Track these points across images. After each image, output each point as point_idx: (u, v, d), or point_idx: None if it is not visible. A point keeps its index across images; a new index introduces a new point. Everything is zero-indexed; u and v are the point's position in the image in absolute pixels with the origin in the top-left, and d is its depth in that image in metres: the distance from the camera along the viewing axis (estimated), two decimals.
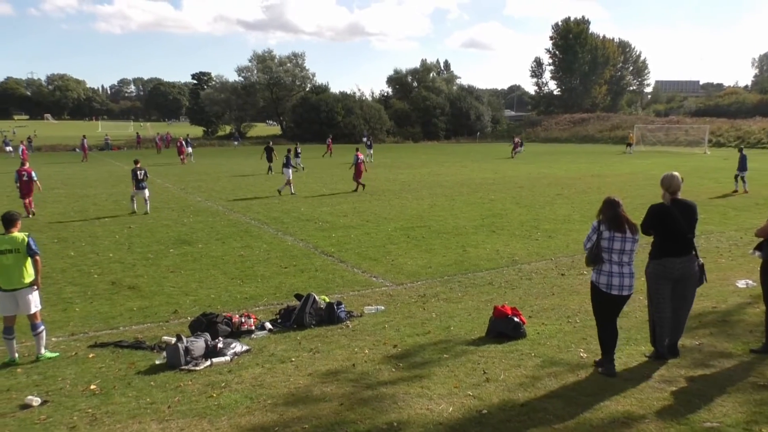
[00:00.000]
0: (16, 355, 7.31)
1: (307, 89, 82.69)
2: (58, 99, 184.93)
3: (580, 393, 6.00)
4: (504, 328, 7.63)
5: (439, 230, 15.49)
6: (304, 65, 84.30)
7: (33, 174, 18.84)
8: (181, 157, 43.02)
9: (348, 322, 8.50)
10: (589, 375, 6.45)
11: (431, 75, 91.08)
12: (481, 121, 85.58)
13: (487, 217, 17.37)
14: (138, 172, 19.17)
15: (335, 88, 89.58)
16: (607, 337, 6.46)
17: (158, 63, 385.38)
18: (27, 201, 18.67)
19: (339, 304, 8.73)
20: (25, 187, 18.63)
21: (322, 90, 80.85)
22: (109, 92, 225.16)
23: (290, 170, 24.34)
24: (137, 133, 75.60)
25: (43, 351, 7.42)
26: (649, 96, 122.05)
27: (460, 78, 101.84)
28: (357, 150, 26.16)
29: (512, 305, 8.32)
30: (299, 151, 36.08)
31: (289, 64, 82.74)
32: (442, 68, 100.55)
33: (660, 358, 6.73)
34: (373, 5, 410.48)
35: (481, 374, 6.53)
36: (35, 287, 7.41)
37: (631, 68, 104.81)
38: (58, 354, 7.48)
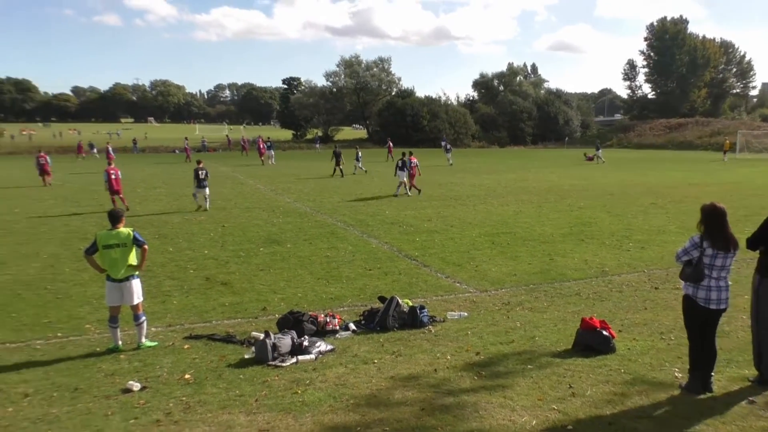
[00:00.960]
0: (120, 342, 7.80)
1: (393, 93, 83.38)
2: (161, 103, 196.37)
3: (674, 415, 5.69)
4: (592, 342, 7.36)
5: (525, 237, 15.17)
6: (390, 70, 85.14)
7: (119, 173, 20.48)
8: (262, 158, 44.62)
9: (430, 326, 8.48)
10: (684, 396, 6.10)
11: (518, 79, 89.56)
12: (569, 126, 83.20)
13: (575, 226, 16.84)
14: (200, 172, 20.51)
15: (420, 93, 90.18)
16: (699, 353, 6.11)
17: (251, 69, 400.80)
18: (118, 197, 20.22)
19: (422, 308, 8.73)
20: (114, 184, 20.15)
21: (408, 94, 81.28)
22: (206, 97, 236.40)
23: (404, 173, 24.49)
24: (227, 135, 78.87)
25: (143, 340, 7.88)
26: (755, 99, 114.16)
27: (547, 81, 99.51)
28: (411, 154, 26.28)
29: (601, 318, 8.02)
30: (360, 155, 37.12)
31: (375, 69, 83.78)
32: (529, 72, 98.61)
33: (766, 384, 6.27)
34: (459, 9, 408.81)
35: (566, 388, 6.33)
36: (137, 278, 7.89)
37: (735, 70, 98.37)
38: (156, 343, 7.92)
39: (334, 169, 33.72)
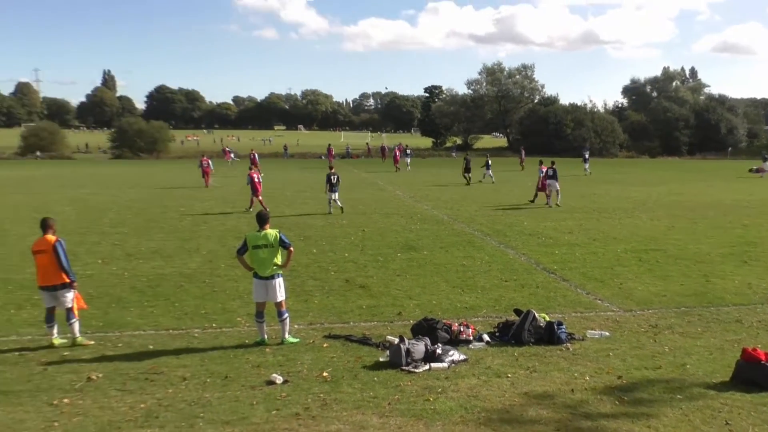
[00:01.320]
0: (266, 336, 8.31)
1: (536, 101, 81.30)
2: (310, 112, 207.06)
3: None
4: (755, 376, 6.63)
5: (677, 255, 14.06)
6: (533, 77, 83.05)
7: (260, 176, 22.39)
8: (397, 165, 45.38)
9: (568, 344, 8.12)
10: None
11: (674, 84, 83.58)
12: (733, 135, 75.91)
13: (737, 245, 15.31)
14: (331, 177, 21.49)
15: (565, 100, 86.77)
16: None
17: (395, 78, 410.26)
18: (258, 199, 21.89)
19: (560, 324, 8.39)
20: (256, 186, 21.96)
21: (551, 101, 78.83)
22: (351, 105, 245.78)
23: (555, 182, 23.85)
24: (367, 143, 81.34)
25: (287, 336, 8.33)
26: None
27: (708, 87, 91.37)
28: (541, 163, 25.33)
29: (767, 350, 7.21)
30: (490, 163, 36.45)
31: (518, 76, 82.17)
32: (687, 76, 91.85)
33: None
34: (610, 12, 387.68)
35: (722, 425, 5.77)
36: (282, 276, 8.34)
37: None
38: (298, 340, 8.34)
39: (466, 177, 33.64)
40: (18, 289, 10.94)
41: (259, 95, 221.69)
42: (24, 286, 11.00)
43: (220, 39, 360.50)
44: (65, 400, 6.41)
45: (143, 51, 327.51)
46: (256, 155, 38.74)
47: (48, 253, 8.09)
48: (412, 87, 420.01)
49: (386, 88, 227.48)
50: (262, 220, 8.40)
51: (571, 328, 8.67)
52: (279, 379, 6.89)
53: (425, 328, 8.27)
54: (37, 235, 8.38)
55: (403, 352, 7.34)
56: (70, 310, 8.21)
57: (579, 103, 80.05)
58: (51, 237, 8.18)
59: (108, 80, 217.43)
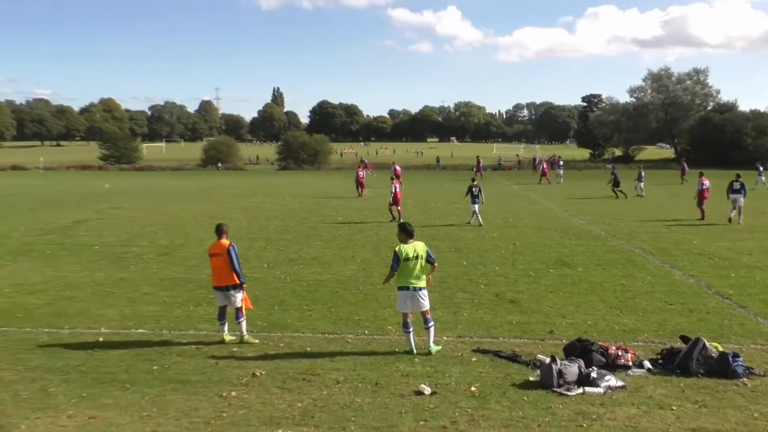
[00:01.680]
0: (414, 346, 8.40)
1: (709, 108, 74.31)
2: (462, 124, 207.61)
3: None
4: None
5: None
6: (707, 82, 75.95)
7: (400, 187, 23.46)
8: (545, 177, 43.69)
9: (746, 379, 7.27)
10: None
11: None
12: None
13: None
14: (473, 189, 21.55)
15: (744, 106, 78.45)
16: None
17: (550, 87, 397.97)
18: (398, 208, 22.81)
19: (735, 356, 7.54)
20: (396, 196, 22.92)
21: (728, 108, 71.65)
22: (504, 116, 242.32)
23: (742, 197, 21.74)
24: (517, 155, 79.44)
25: (432, 344, 8.37)
26: None
27: None
28: (701, 175, 23.10)
29: None
30: (642, 175, 34.12)
31: (688, 82, 75.74)
32: None
33: None
34: None
35: None
36: (426, 289, 8.45)
37: None
38: (440, 347, 8.36)
39: (615, 191, 31.76)
40: (196, 288, 12.13)
41: (414, 108, 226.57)
42: (201, 286, 12.16)
43: (378, 55, 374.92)
44: (233, 393, 6.97)
45: (308, 69, 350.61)
46: (398, 167, 40.04)
47: (222, 256, 8.85)
48: (568, 96, 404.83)
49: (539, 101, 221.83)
50: (408, 232, 8.53)
51: (749, 362, 7.77)
52: (427, 390, 6.93)
53: (579, 350, 7.87)
54: (213, 240, 9.21)
55: (555, 373, 7.04)
56: (239, 310, 8.93)
57: (762, 110, 71.95)
58: (225, 241, 8.95)
59: (277, 97, 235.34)
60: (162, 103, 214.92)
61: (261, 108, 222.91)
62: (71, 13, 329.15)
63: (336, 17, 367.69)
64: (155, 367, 7.83)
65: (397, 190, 23.09)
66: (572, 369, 7.15)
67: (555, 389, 6.92)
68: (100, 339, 9.04)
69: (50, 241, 18.06)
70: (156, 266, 14.45)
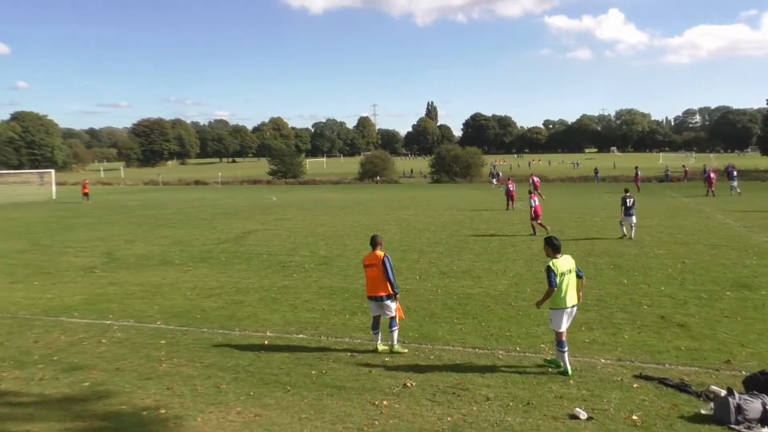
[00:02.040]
0: (570, 367, 8.01)
1: None
2: (624, 132, 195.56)
3: None
4: None
5: None
6: None
7: (538, 200, 22.88)
8: (710, 188, 39.31)
9: None
10: None
11: None
12: None
13: None
14: (627, 200, 20.66)
15: None
16: None
17: (727, 90, 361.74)
18: (539, 222, 22.27)
19: None
20: (537, 210, 22.34)
21: None
22: (672, 124, 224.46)
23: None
24: (683, 166, 72.83)
25: (568, 367, 7.98)
26: None
27: None
28: None
29: None
30: None
31: None
32: None
33: None
34: None
35: None
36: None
37: None
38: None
39: None
40: (352, 297, 12.62)
41: (570, 118, 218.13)
42: (357, 295, 12.63)
43: (533, 64, 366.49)
44: (384, 402, 7.13)
45: (462, 82, 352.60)
46: (536, 179, 38.80)
47: (377, 267, 9.06)
48: (749, 99, 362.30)
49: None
50: (556, 246, 8.26)
51: None
52: (583, 415, 6.57)
53: (762, 384, 6.99)
54: (368, 251, 9.53)
55: (733, 408, 6.32)
56: (392, 319, 9.13)
57: None
58: (380, 252, 9.21)
59: (431, 111, 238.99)
60: (324, 120, 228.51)
61: (415, 122, 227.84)
62: (248, 46, 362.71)
63: (490, 29, 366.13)
64: (313, 372, 8.25)
65: (537, 203, 22.48)
66: (754, 405, 6.37)
67: (732, 426, 6.22)
68: (266, 342, 9.72)
69: (225, 250, 19.83)
70: (316, 275, 15.26)
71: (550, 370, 8.12)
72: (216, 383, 7.90)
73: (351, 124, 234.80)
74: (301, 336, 10.06)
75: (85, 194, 46.96)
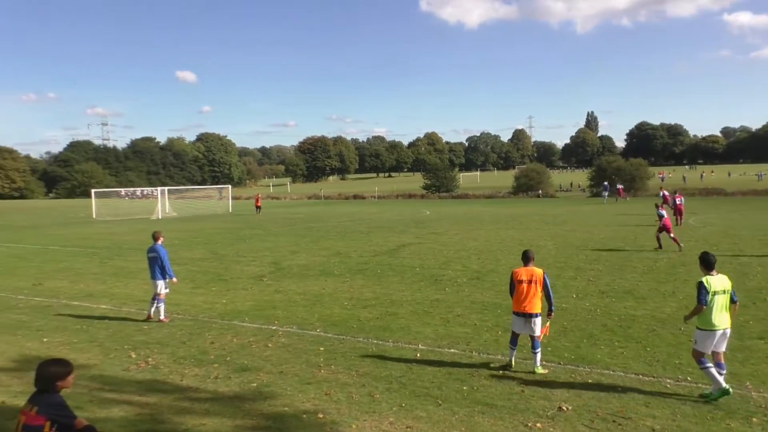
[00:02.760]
0: (724, 382, 7.46)
1: None
2: None
3: None
4: None
5: None
6: None
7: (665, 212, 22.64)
8: None
9: None
10: None
11: None
12: None
13: None
14: None
15: None
16: None
17: None
18: (671, 236, 21.76)
19: None
20: (666, 223, 22.09)
21: None
22: None
23: None
24: None
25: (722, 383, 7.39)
26: None
27: None
28: None
29: None
30: None
31: None
32: None
33: None
34: None
35: None
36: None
37: None
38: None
39: None
40: (505, 314, 12.34)
41: (755, 124, 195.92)
42: (509, 311, 12.27)
43: (708, 67, 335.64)
44: (538, 425, 6.87)
45: (625, 90, 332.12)
46: (666, 193, 35.47)
47: (534, 283, 8.79)
48: None
49: None
50: (710, 262, 7.74)
51: None
52: None
53: None
54: (521, 265, 9.25)
55: None
56: (536, 339, 8.80)
57: None
58: (538, 269, 8.94)
59: (590, 121, 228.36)
60: (478, 134, 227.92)
61: (573, 133, 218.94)
62: (406, 63, 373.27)
63: (659, 31, 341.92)
64: (465, 388, 8.19)
65: (666, 215, 22.42)
66: None
67: None
68: (418, 355, 9.85)
69: (380, 262, 20.45)
70: (468, 289, 15.18)
71: (721, 402, 7.33)
72: (370, 392, 8.14)
73: (505, 137, 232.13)
74: (452, 350, 10.05)
75: (258, 207, 51.17)
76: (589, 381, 8.35)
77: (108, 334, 11.64)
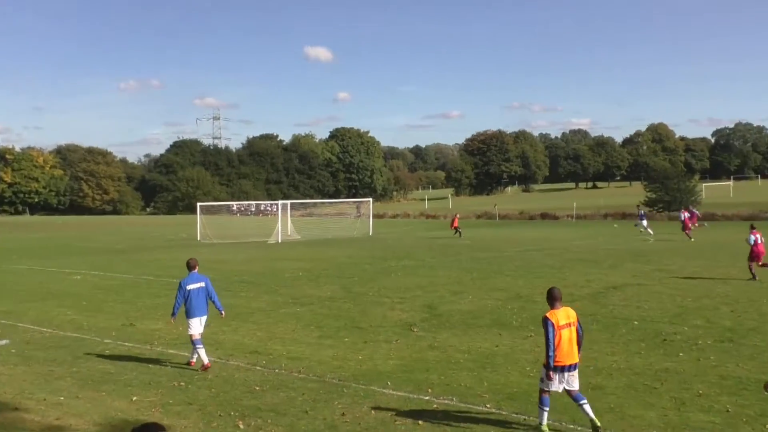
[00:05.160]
0: None
1: None
2: None
3: None
4: None
5: None
6: None
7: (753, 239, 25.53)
8: None
9: None
10: None
11: None
12: None
13: None
14: None
15: None
16: None
17: None
18: (759, 264, 25.34)
19: None
20: (754, 251, 25.54)
21: None
22: None
23: None
24: None
25: None
26: None
27: None
28: None
29: None
30: None
31: None
32: None
33: None
34: None
35: None
36: None
37: None
38: None
39: None
40: None
41: None
42: None
43: None
44: None
45: None
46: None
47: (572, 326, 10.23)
48: None
49: None
50: None
51: None
52: None
53: None
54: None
55: None
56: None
57: None
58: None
59: None
60: (731, 125, 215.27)
61: None
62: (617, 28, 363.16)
63: None
64: None
65: (759, 241, 25.29)
66: None
67: None
68: None
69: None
70: (715, 357, 14.32)
71: None
72: None
73: None
74: None
75: (455, 229, 52.61)
76: None
77: (210, 394, 12.39)
